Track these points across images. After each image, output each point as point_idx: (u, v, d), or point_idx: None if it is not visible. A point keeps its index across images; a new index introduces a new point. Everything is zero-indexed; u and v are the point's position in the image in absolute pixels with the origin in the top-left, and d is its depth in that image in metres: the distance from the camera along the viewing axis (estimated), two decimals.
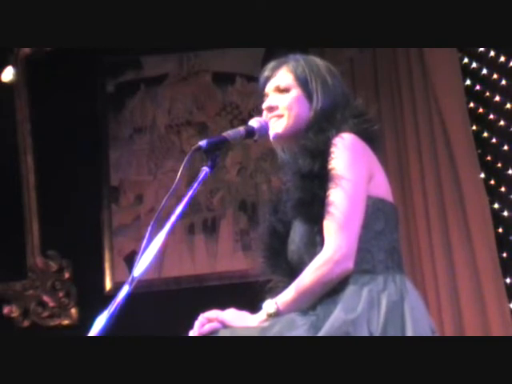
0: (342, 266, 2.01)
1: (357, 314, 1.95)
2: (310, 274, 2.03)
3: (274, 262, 2.24)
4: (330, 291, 2.02)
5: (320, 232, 2.05)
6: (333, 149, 2.08)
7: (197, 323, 2.12)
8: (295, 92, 2.24)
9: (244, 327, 2.05)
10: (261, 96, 2.31)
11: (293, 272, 2.17)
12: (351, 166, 2.07)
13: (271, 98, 2.26)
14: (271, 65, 2.30)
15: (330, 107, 2.20)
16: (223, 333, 2.05)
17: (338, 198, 2.04)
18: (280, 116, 2.23)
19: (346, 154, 2.08)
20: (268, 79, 2.29)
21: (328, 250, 2.02)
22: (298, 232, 2.14)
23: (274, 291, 2.20)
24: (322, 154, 2.08)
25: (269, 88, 2.28)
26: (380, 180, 2.15)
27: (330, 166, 2.06)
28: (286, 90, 2.24)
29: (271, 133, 2.24)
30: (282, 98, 2.24)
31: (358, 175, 2.09)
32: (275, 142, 2.28)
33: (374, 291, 1.99)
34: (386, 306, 1.97)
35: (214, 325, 2.09)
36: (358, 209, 2.06)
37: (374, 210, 2.09)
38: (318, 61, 2.30)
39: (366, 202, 2.08)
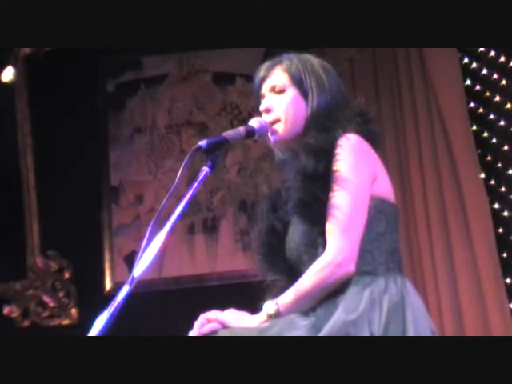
0: (344, 269, 2.01)
1: (358, 315, 1.95)
2: (312, 276, 2.02)
3: (271, 259, 2.24)
4: (331, 293, 2.02)
5: (321, 233, 2.05)
6: (338, 150, 2.08)
7: (196, 324, 2.11)
8: (291, 92, 2.24)
9: (243, 328, 2.05)
10: (256, 96, 2.31)
11: (291, 270, 2.17)
12: (356, 169, 2.07)
13: (267, 99, 2.26)
14: (266, 65, 2.31)
15: (327, 105, 2.20)
16: (223, 333, 2.04)
17: (341, 200, 2.04)
18: (277, 120, 2.23)
19: (352, 156, 2.08)
20: (263, 79, 2.29)
21: (330, 253, 2.02)
22: (297, 231, 2.13)
23: (272, 289, 2.21)
24: (326, 154, 2.08)
25: (265, 88, 2.28)
26: (383, 180, 2.15)
27: (334, 167, 2.06)
28: (281, 91, 2.25)
29: (271, 138, 2.24)
30: (278, 100, 2.24)
31: (363, 178, 2.08)
32: (275, 145, 2.28)
33: (375, 292, 1.99)
34: (388, 307, 1.97)
35: (214, 325, 2.09)
36: (361, 212, 2.06)
37: (376, 211, 2.09)
38: (312, 59, 2.30)
39: (368, 204, 2.08)
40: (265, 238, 2.26)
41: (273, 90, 2.26)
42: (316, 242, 2.07)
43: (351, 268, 2.02)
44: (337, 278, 2.01)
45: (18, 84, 4.90)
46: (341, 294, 2.01)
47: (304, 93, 2.23)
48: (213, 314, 2.11)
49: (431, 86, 4.36)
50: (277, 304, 2.05)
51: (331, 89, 2.24)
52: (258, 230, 2.29)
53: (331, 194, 2.04)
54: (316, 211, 2.05)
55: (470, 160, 4.23)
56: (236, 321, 2.08)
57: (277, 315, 2.03)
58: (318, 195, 2.05)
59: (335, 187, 2.05)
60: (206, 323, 2.10)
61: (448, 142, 4.28)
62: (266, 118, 2.25)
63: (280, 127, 2.22)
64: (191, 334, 2.11)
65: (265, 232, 2.26)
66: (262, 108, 2.26)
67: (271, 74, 2.28)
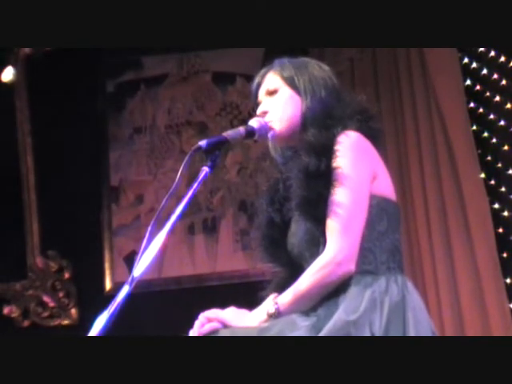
0: (344, 268, 2.01)
1: (359, 315, 1.95)
2: (312, 276, 2.02)
3: (272, 251, 2.25)
4: (332, 292, 2.02)
5: (324, 231, 2.05)
6: (337, 146, 2.08)
7: (197, 323, 2.11)
8: (284, 91, 2.25)
9: (244, 327, 2.05)
10: (255, 104, 2.32)
11: (292, 263, 2.17)
12: (356, 165, 2.07)
13: (263, 103, 2.28)
14: (260, 72, 2.33)
15: (322, 101, 2.20)
16: (223, 333, 2.04)
17: (342, 197, 2.04)
18: (273, 119, 2.23)
19: (351, 153, 2.08)
20: (259, 86, 2.31)
21: (330, 252, 2.02)
22: (300, 228, 2.13)
23: (273, 281, 2.22)
24: (327, 152, 2.08)
25: (260, 94, 2.30)
26: (384, 179, 2.15)
27: (334, 164, 2.06)
28: (274, 92, 2.26)
29: (269, 135, 2.25)
30: (273, 101, 2.25)
31: (363, 175, 2.09)
32: (274, 143, 2.28)
33: (376, 292, 1.99)
34: (389, 307, 1.97)
35: (214, 325, 2.09)
36: (361, 210, 2.06)
37: (378, 210, 2.09)
38: (306, 60, 2.32)
39: (369, 202, 2.08)
40: (265, 231, 2.27)
41: (267, 93, 2.28)
42: (319, 240, 2.07)
43: (351, 267, 2.02)
44: (337, 276, 2.01)
45: (18, 84, 4.90)
46: (342, 293, 2.01)
47: (297, 90, 2.24)
48: (213, 312, 2.11)
49: (431, 85, 4.36)
50: (277, 303, 2.05)
51: (326, 86, 2.24)
52: (259, 222, 2.30)
53: (332, 191, 2.04)
54: (320, 210, 2.05)
55: (470, 160, 4.23)
56: (236, 319, 2.09)
57: (277, 315, 2.03)
58: (321, 194, 2.05)
59: (336, 184, 2.05)
60: (206, 322, 2.10)
61: (448, 141, 4.28)
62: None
63: (276, 125, 2.23)
64: (191, 332, 2.11)
65: (265, 225, 2.27)
66: (258, 112, 2.27)
67: (264, 80, 2.29)
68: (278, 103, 2.24)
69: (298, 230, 2.15)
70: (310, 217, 2.08)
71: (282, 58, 2.32)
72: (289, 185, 2.17)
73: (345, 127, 2.12)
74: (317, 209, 2.05)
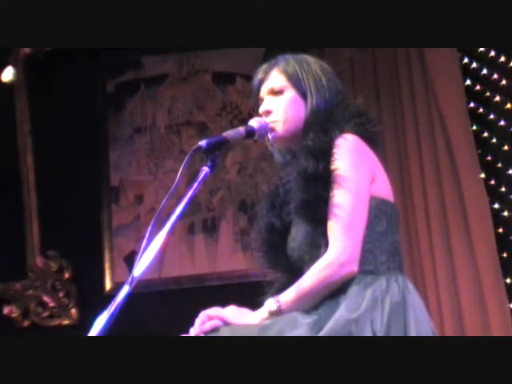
0: (347, 269, 2.02)
1: (360, 313, 1.95)
2: (314, 275, 2.03)
3: (272, 256, 2.25)
4: (333, 291, 2.02)
5: (324, 234, 2.05)
6: (335, 149, 2.08)
7: (197, 321, 2.11)
8: (289, 93, 2.24)
9: (245, 325, 2.05)
10: (256, 100, 2.31)
11: (292, 268, 2.18)
12: (354, 167, 2.08)
13: (267, 102, 2.26)
14: (263, 67, 2.31)
15: (326, 103, 2.20)
16: (224, 331, 2.04)
17: (342, 199, 2.04)
18: (276, 120, 2.23)
19: (349, 155, 2.08)
20: (261, 82, 2.30)
21: (333, 253, 2.02)
22: (300, 231, 2.14)
23: (273, 286, 2.22)
24: (326, 155, 2.08)
25: (263, 91, 2.29)
26: (382, 181, 2.16)
27: (333, 167, 2.07)
28: (280, 92, 2.25)
29: (270, 135, 2.25)
30: (277, 101, 2.25)
31: (362, 176, 2.09)
32: (274, 143, 2.28)
33: (377, 291, 2.00)
34: (390, 306, 1.97)
35: (215, 322, 2.09)
36: (362, 210, 2.07)
37: (377, 211, 2.10)
38: (309, 58, 2.31)
39: (369, 203, 2.08)
40: (265, 236, 2.27)
41: (271, 92, 2.27)
42: (318, 243, 2.07)
43: (354, 268, 2.02)
44: (339, 277, 2.01)
45: (18, 84, 4.90)
46: (343, 292, 2.01)
47: (302, 93, 2.24)
48: (214, 310, 2.11)
49: (431, 86, 4.36)
50: (278, 301, 2.05)
51: (330, 87, 2.24)
52: (258, 227, 2.30)
53: (331, 193, 2.05)
54: (320, 212, 2.05)
55: (470, 160, 4.23)
56: (237, 318, 2.09)
57: (278, 313, 2.03)
58: (321, 196, 2.05)
59: (335, 186, 2.05)
60: (207, 320, 2.10)
61: (448, 141, 4.28)
62: (266, 119, 2.25)
63: (279, 126, 2.23)
64: (192, 331, 2.11)
65: (264, 230, 2.27)
66: (261, 110, 2.27)
67: (269, 77, 2.28)
68: (282, 104, 2.23)
69: (297, 234, 2.15)
70: (309, 219, 2.08)
71: (284, 54, 2.32)
72: (288, 189, 2.18)
73: (342, 130, 2.12)
74: (316, 211, 2.06)
